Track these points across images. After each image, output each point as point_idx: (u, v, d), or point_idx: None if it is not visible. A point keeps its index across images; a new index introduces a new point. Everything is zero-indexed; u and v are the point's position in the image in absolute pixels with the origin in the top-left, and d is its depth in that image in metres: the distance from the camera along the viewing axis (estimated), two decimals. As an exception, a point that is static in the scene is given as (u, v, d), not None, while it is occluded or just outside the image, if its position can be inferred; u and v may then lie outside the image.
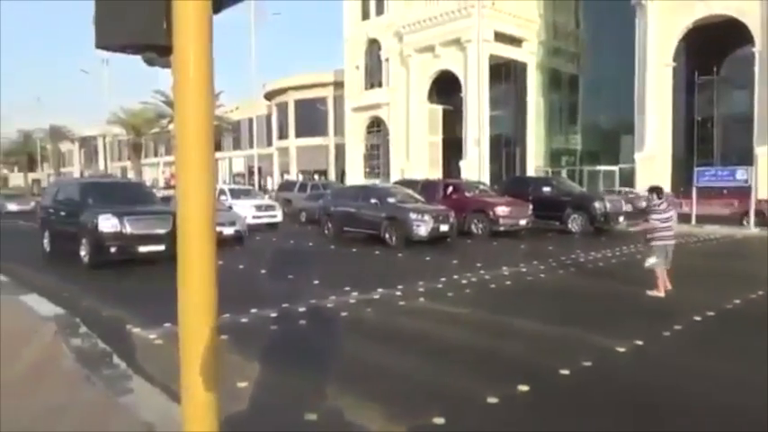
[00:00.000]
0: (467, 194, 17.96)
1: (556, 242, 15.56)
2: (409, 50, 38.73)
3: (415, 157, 39.09)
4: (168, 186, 35.48)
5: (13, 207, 30.81)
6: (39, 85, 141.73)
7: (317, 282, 9.15)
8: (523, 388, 4.41)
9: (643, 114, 30.18)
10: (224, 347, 4.35)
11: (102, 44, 2.00)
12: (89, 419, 3.59)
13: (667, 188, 19.27)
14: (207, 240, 1.95)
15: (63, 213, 12.02)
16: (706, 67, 30.07)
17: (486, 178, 31.45)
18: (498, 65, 36.30)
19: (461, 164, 35.72)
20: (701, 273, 10.63)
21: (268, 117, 55.67)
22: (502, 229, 16.25)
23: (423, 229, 13.84)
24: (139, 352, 5.25)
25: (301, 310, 7.10)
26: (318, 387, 4.47)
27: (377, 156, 44.18)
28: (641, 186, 25.20)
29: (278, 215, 19.83)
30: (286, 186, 29.06)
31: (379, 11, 41.55)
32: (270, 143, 54.60)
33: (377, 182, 34.98)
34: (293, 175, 46.58)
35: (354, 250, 13.86)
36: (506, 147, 38.42)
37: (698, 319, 6.78)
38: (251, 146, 51.10)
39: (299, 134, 51.77)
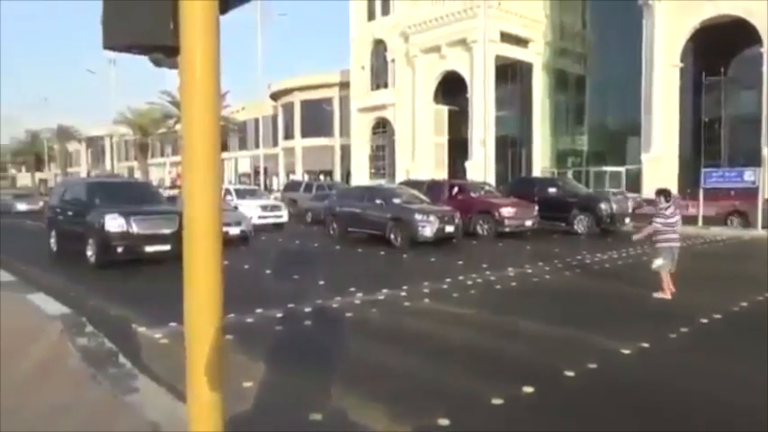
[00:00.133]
0: (472, 195, 17.93)
1: (561, 243, 15.52)
2: (415, 51, 38.72)
3: (421, 157, 39.04)
4: (174, 186, 35.59)
5: (22, 207, 30.92)
6: (46, 86, 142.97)
7: (322, 282, 9.16)
8: (528, 389, 4.40)
9: (650, 115, 30.06)
10: (229, 347, 4.37)
11: (109, 45, 2.01)
12: (95, 418, 3.60)
13: (674, 190, 19.19)
14: (213, 240, 1.95)
15: (70, 213, 12.06)
16: (713, 68, 29.81)
17: (491, 179, 31.31)
18: (504, 65, 36.23)
19: (467, 164, 35.68)
20: (707, 275, 10.57)
21: (274, 117, 55.82)
22: (507, 230, 16.21)
23: (428, 230, 13.82)
24: (145, 351, 5.27)
25: (307, 310, 7.11)
26: (323, 387, 4.47)
27: (382, 156, 44.20)
28: (648, 188, 25.12)
29: (283, 215, 19.82)
30: (291, 187, 29.00)
31: (385, 11, 41.56)
32: (275, 143, 54.74)
33: (382, 182, 34.97)
34: (299, 176, 46.56)
35: (359, 251, 13.87)
36: (512, 147, 38.30)
37: (704, 321, 6.74)
38: (257, 146, 51.35)
39: (304, 134, 51.90)
